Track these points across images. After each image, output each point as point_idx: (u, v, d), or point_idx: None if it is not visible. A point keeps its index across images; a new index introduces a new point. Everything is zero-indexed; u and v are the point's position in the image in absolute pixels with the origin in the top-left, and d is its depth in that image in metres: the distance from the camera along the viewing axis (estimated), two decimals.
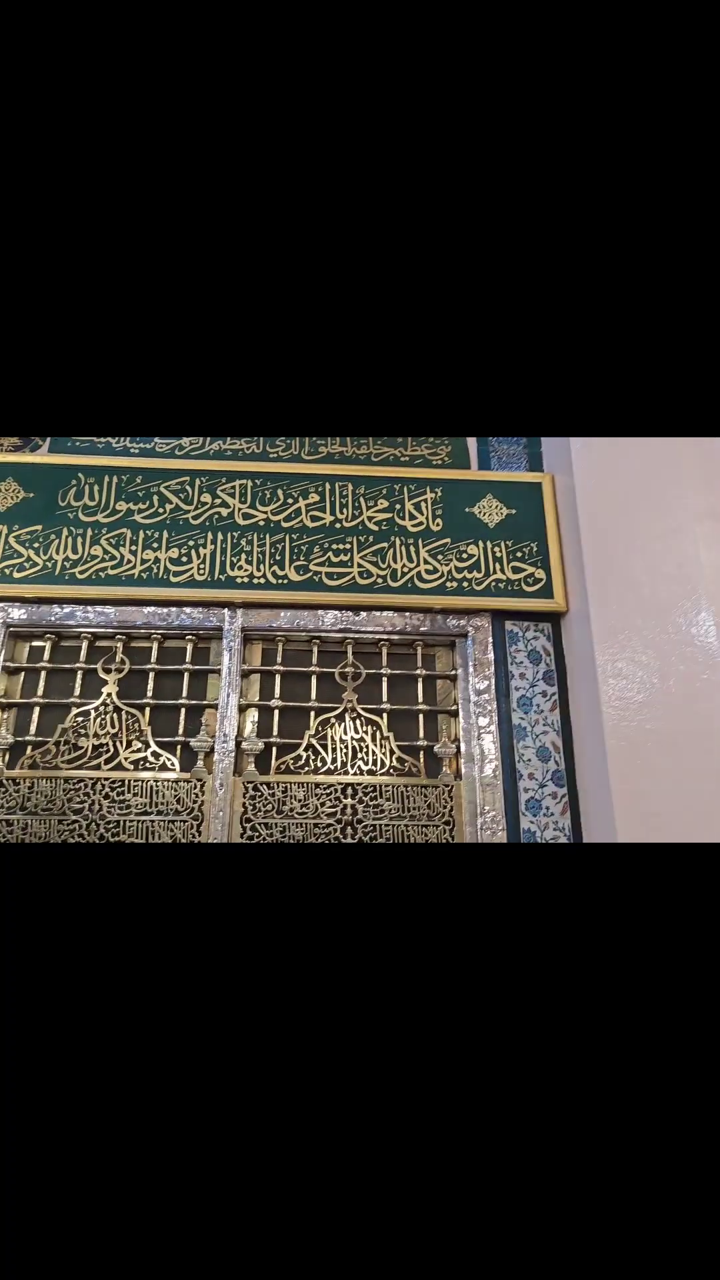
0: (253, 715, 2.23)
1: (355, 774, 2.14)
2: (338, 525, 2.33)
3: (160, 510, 2.32)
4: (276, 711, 2.21)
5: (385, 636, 2.29)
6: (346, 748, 2.17)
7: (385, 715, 2.22)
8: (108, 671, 2.22)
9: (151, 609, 2.24)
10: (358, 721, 2.21)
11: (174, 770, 2.12)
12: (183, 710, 2.20)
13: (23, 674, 2.25)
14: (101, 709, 2.18)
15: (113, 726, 2.16)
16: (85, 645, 2.25)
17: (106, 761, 2.11)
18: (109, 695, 2.19)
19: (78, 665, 2.23)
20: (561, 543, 2.35)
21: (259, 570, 2.26)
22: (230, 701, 2.17)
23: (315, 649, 2.29)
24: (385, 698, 2.24)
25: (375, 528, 2.34)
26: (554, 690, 2.24)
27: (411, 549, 2.32)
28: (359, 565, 2.29)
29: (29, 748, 2.14)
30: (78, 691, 2.20)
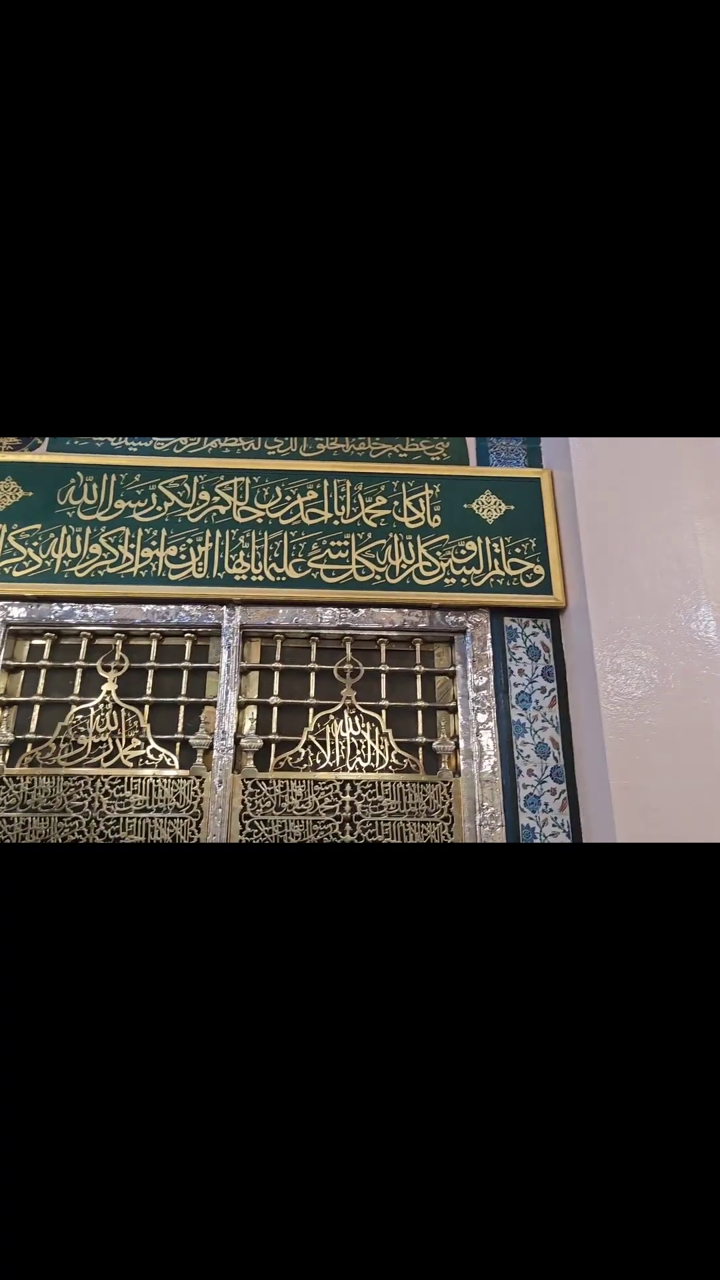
0: (251, 712, 2.23)
1: (354, 771, 2.14)
2: (336, 522, 2.33)
3: (159, 508, 2.32)
4: (275, 708, 2.22)
5: (384, 633, 2.29)
6: (345, 744, 2.17)
7: (384, 712, 2.22)
8: (107, 669, 2.23)
9: (150, 607, 2.25)
10: (356, 718, 2.21)
11: (173, 767, 2.12)
12: (182, 708, 2.21)
13: (23, 672, 2.26)
14: (101, 707, 2.19)
15: (112, 724, 2.17)
16: (85, 643, 2.26)
17: (106, 759, 2.12)
18: (108, 693, 2.20)
19: (77, 663, 2.24)
20: (560, 538, 2.34)
21: (257, 568, 2.26)
22: (229, 699, 2.17)
23: (314, 646, 2.29)
24: (384, 694, 2.24)
25: (373, 524, 2.34)
26: (553, 686, 2.23)
27: (410, 545, 2.32)
28: (357, 562, 2.29)
29: (29, 745, 2.15)
30: (77, 689, 2.21)
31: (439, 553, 2.31)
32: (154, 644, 2.27)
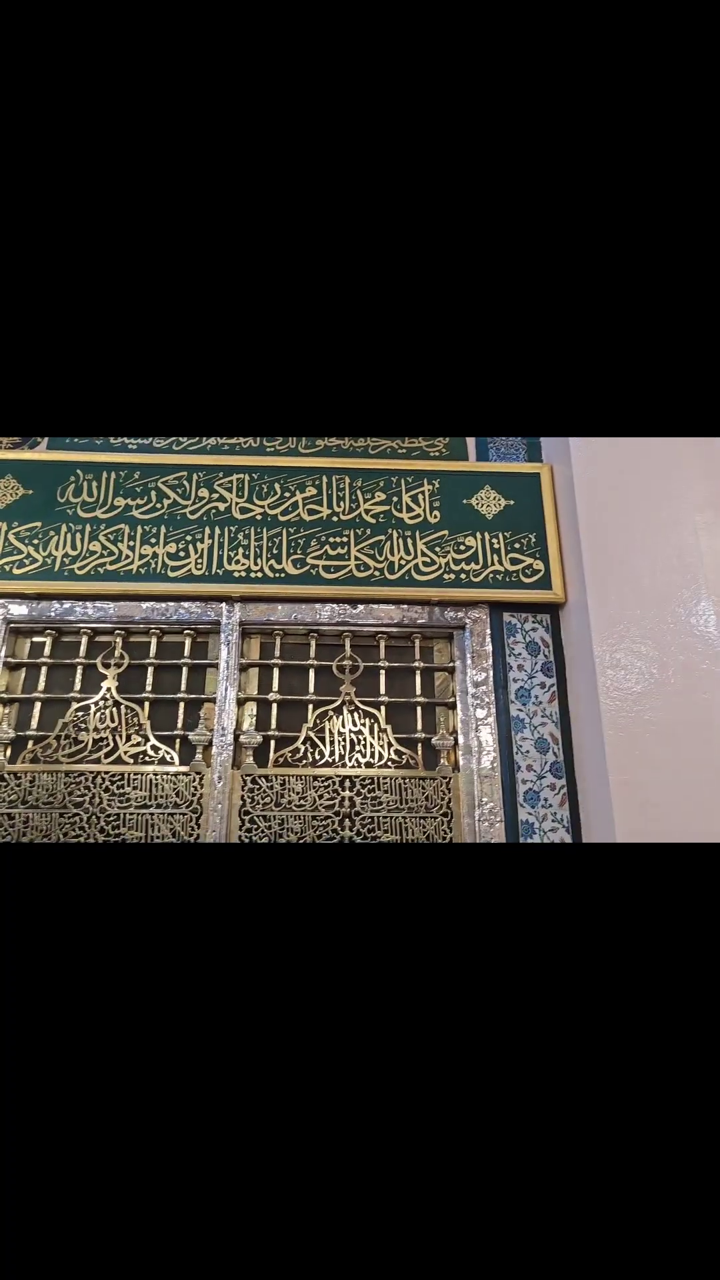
0: (251, 709, 2.24)
1: (353, 766, 2.14)
2: (335, 518, 2.33)
3: (158, 505, 2.33)
4: (274, 705, 2.22)
5: (383, 629, 2.29)
6: (344, 740, 2.17)
7: (383, 708, 2.22)
8: (107, 666, 2.24)
9: (150, 604, 2.25)
10: (355, 714, 2.21)
11: (173, 764, 2.13)
12: (181, 704, 2.21)
13: (24, 669, 2.27)
14: (101, 703, 2.20)
15: (112, 721, 2.18)
16: (85, 640, 2.27)
17: (106, 755, 2.13)
18: (109, 690, 2.21)
19: (78, 660, 2.25)
20: (560, 533, 2.34)
21: (256, 564, 2.26)
22: (228, 695, 2.18)
23: (313, 642, 2.29)
24: (383, 690, 2.24)
25: (372, 520, 2.34)
26: (552, 682, 2.23)
27: (409, 541, 2.32)
28: (356, 558, 2.29)
29: (30, 742, 2.16)
30: (78, 686, 2.22)
31: (438, 548, 2.31)
32: (154, 641, 2.27)
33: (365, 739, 2.18)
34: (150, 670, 2.24)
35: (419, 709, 2.24)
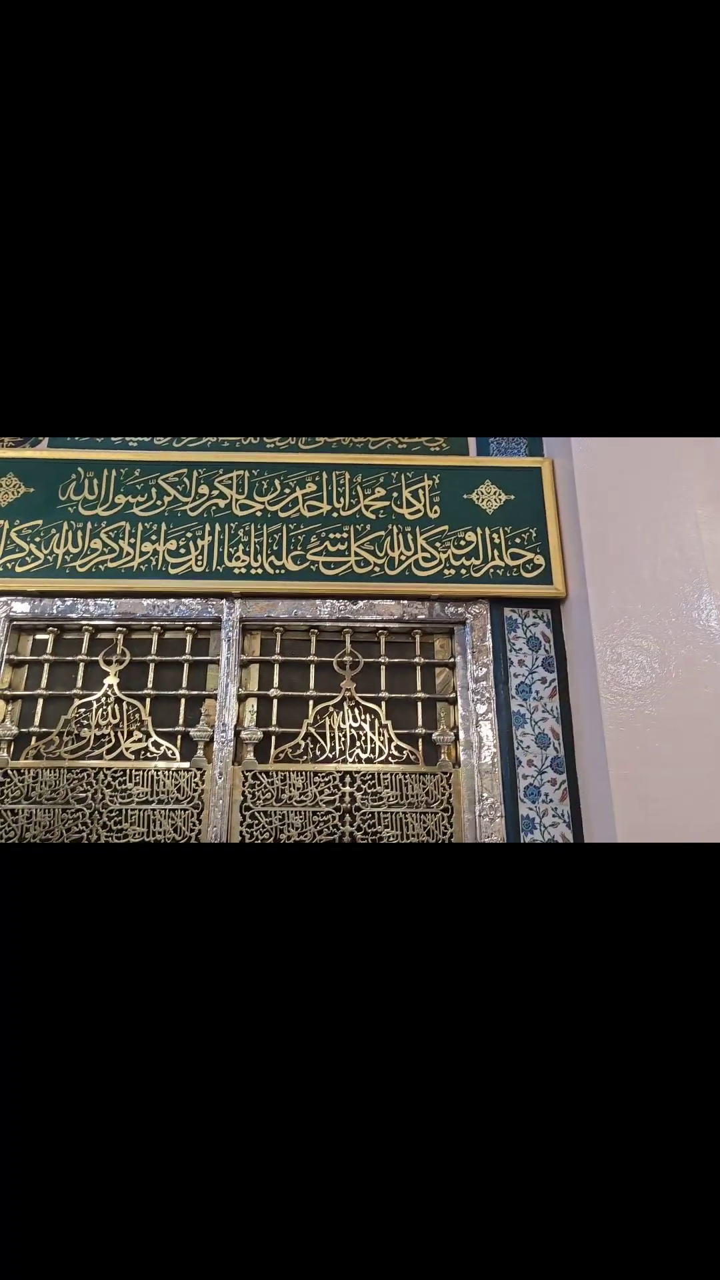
0: (252, 705, 2.24)
1: (353, 762, 2.14)
2: (335, 514, 2.33)
3: (159, 502, 2.34)
4: (275, 701, 2.23)
5: (383, 625, 2.29)
6: (345, 736, 2.18)
7: (383, 703, 2.22)
8: (109, 663, 2.25)
9: (151, 601, 2.26)
10: (356, 710, 2.21)
11: (174, 759, 2.14)
12: (183, 700, 2.22)
13: (26, 666, 2.29)
14: (103, 700, 2.21)
15: (114, 717, 2.19)
16: (87, 637, 2.28)
17: (108, 751, 2.15)
18: (110, 686, 2.22)
19: (80, 657, 2.26)
20: (561, 528, 2.33)
21: (256, 561, 2.27)
22: (229, 691, 2.19)
23: (313, 638, 2.30)
24: (383, 686, 2.24)
25: (372, 516, 2.34)
26: (553, 677, 2.22)
27: (409, 537, 2.31)
28: (356, 554, 2.29)
29: (33, 739, 2.17)
30: (80, 683, 2.23)
31: (438, 543, 2.31)
32: (155, 638, 2.28)
33: (366, 735, 2.18)
34: (151, 667, 2.25)
35: (419, 704, 2.24)
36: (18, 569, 2.24)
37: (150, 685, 2.23)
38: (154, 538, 2.29)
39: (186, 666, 2.26)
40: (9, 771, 2.11)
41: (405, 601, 2.28)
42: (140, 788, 2.10)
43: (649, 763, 1.90)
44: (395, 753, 2.17)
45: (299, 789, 2.10)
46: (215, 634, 2.28)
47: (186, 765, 2.13)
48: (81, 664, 2.26)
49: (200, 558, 2.27)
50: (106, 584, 2.24)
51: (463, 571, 2.27)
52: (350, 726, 2.19)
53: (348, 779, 2.12)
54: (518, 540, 2.32)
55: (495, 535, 2.32)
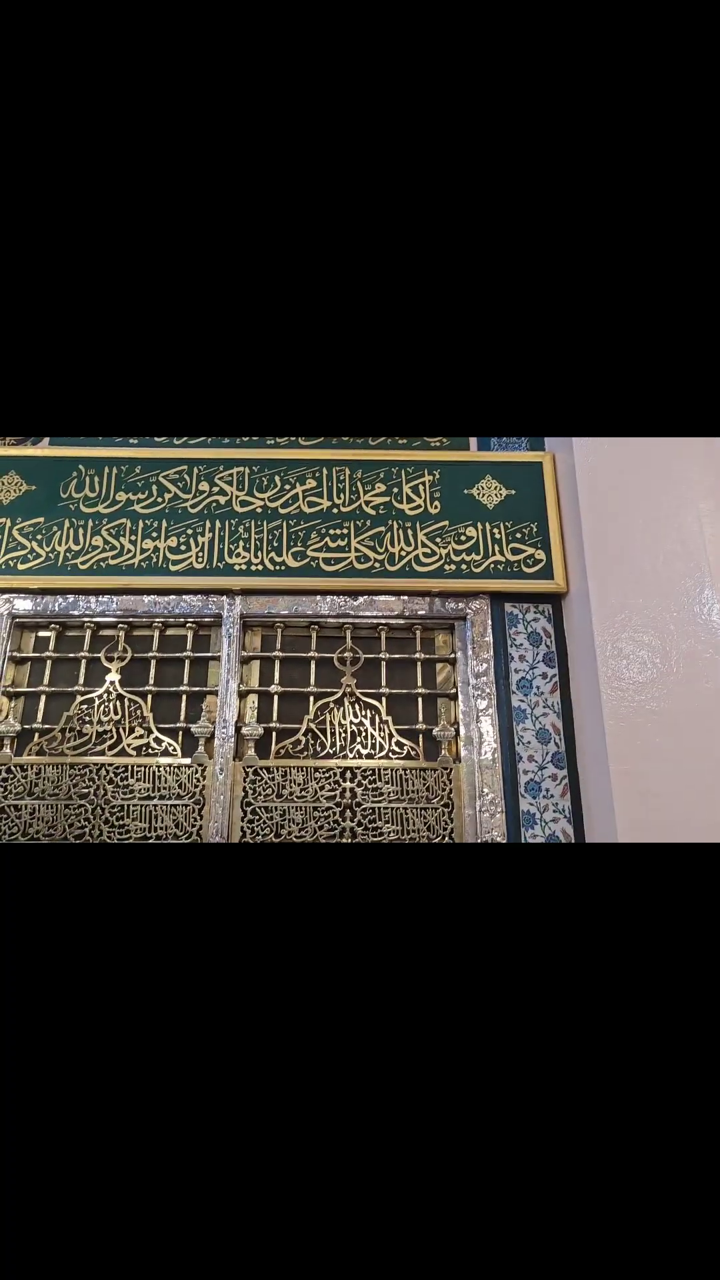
0: (252, 701, 2.25)
1: (354, 758, 2.15)
2: (335, 510, 2.33)
3: (159, 499, 2.34)
4: (276, 697, 2.23)
5: (383, 621, 2.29)
6: (345, 732, 2.18)
7: (384, 699, 2.22)
8: (110, 660, 2.26)
9: (152, 597, 2.27)
10: (356, 706, 2.21)
11: (176, 755, 2.15)
12: (184, 697, 2.23)
13: (29, 663, 2.30)
14: (105, 696, 2.22)
15: (116, 713, 2.20)
16: (89, 634, 2.29)
17: (110, 748, 2.16)
18: (112, 683, 2.23)
19: (82, 654, 2.27)
20: (562, 523, 2.32)
21: (256, 557, 2.27)
22: (230, 687, 2.19)
23: (314, 634, 2.30)
24: (384, 682, 2.25)
25: (372, 512, 2.33)
26: (554, 672, 2.22)
27: (409, 532, 2.31)
28: (356, 550, 2.28)
29: (36, 735, 2.19)
30: (82, 680, 2.25)
31: (438, 539, 2.30)
32: (156, 634, 2.29)
33: (366, 730, 2.18)
34: (153, 663, 2.26)
35: (420, 700, 2.24)
36: (20, 566, 2.26)
37: (152, 682, 2.24)
38: (155, 535, 2.29)
39: (188, 663, 2.27)
40: (12, 767, 2.13)
41: (406, 597, 2.28)
42: (142, 783, 2.11)
43: (650, 758, 1.89)
44: (396, 748, 2.17)
45: (300, 785, 2.11)
46: (216, 630, 2.29)
47: (188, 761, 2.14)
48: (83, 661, 2.27)
49: (201, 554, 2.27)
50: (108, 581, 2.25)
51: (463, 567, 2.27)
52: (351, 722, 2.19)
53: (348, 775, 2.12)
54: (518, 535, 2.31)
55: (496, 530, 2.31)
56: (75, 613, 2.27)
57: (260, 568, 2.26)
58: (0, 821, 2.07)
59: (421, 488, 2.37)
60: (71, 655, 2.28)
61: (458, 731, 2.20)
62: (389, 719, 2.20)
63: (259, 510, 2.33)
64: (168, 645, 2.30)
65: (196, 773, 2.12)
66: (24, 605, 2.27)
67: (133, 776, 2.12)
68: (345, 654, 2.27)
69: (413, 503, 2.35)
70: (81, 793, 2.10)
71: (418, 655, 2.29)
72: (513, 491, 2.37)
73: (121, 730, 2.18)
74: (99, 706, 2.21)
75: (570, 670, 2.20)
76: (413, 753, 2.17)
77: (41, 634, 2.33)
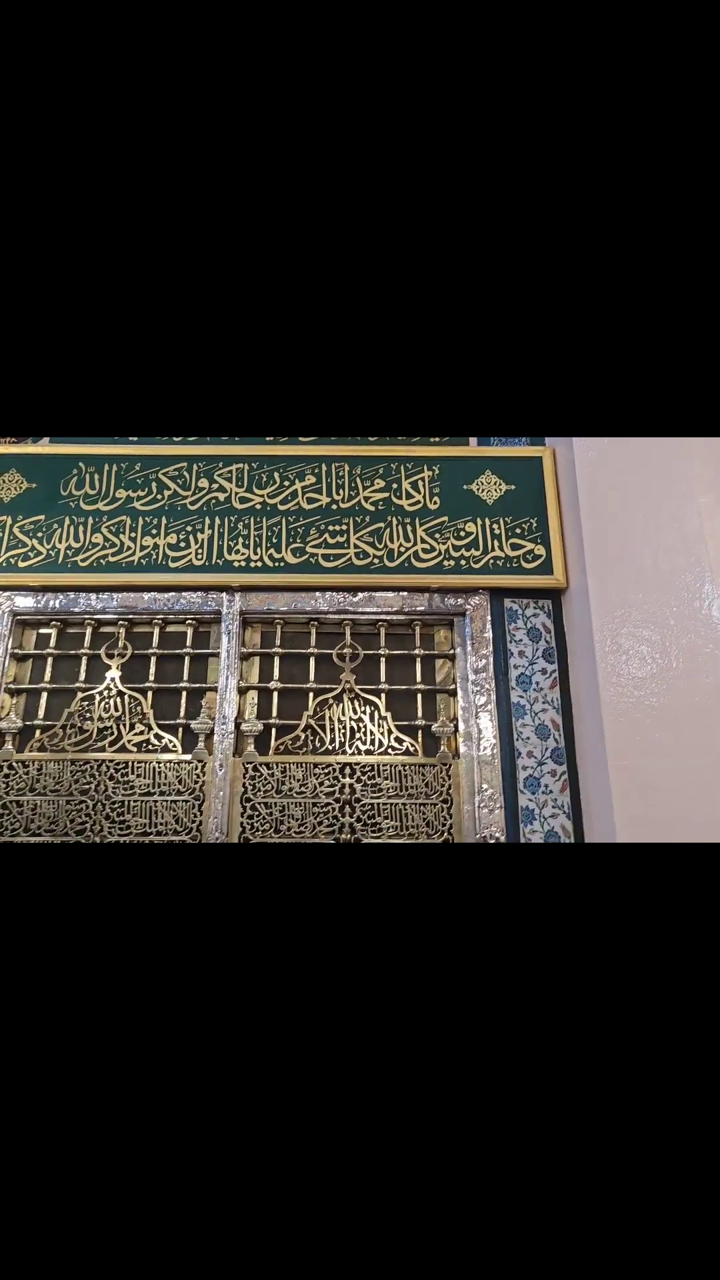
0: (252, 697, 2.26)
1: (353, 754, 2.15)
2: (334, 506, 2.33)
3: (159, 497, 2.35)
4: (275, 693, 2.24)
5: (383, 617, 2.29)
6: (344, 728, 2.18)
7: (383, 695, 2.22)
8: (111, 656, 2.27)
9: (152, 594, 2.28)
10: (356, 702, 2.22)
11: (176, 752, 2.16)
12: (184, 693, 2.24)
13: (30, 660, 2.32)
14: (106, 693, 2.23)
15: (117, 710, 2.21)
16: (89, 631, 2.31)
17: (111, 744, 2.17)
18: (113, 680, 2.25)
19: (83, 651, 2.28)
20: (562, 517, 2.31)
21: (256, 554, 2.27)
22: (229, 684, 2.20)
23: (313, 631, 2.30)
24: (383, 678, 2.25)
25: (372, 508, 2.33)
26: (554, 667, 2.21)
27: (408, 528, 2.31)
28: (355, 546, 2.28)
29: (37, 731, 2.21)
30: (83, 676, 2.26)
31: (438, 535, 2.30)
32: (156, 631, 2.30)
33: (365, 726, 2.19)
34: (153, 660, 2.27)
35: (419, 696, 2.25)
36: (21, 564, 2.27)
37: (152, 678, 2.25)
38: (154, 532, 2.30)
39: (187, 659, 2.27)
40: (14, 764, 2.15)
41: (405, 593, 2.28)
42: (142, 779, 2.12)
43: (649, 753, 1.89)
44: (395, 744, 2.17)
45: (299, 780, 2.12)
46: (216, 627, 2.30)
47: (188, 757, 2.15)
48: (84, 657, 2.28)
49: (200, 551, 2.28)
50: (108, 578, 2.26)
51: (462, 563, 2.26)
52: (350, 718, 2.20)
53: (347, 770, 2.13)
54: (518, 531, 2.30)
55: (495, 526, 2.31)
56: (76, 610, 2.28)
57: (259, 564, 2.26)
58: (2, 817, 2.09)
59: (421, 483, 2.37)
60: (72, 652, 2.29)
61: (457, 727, 2.20)
62: (388, 715, 2.20)
63: (258, 507, 2.33)
64: (168, 642, 2.31)
65: (196, 769, 2.13)
66: (25, 602, 2.28)
67: (133, 772, 2.13)
68: (344, 650, 2.28)
69: (412, 498, 2.34)
70: (83, 788, 2.11)
71: (417, 651, 2.29)
72: (512, 486, 2.36)
73: (122, 726, 2.19)
74: (100, 703, 2.22)
75: (570, 666, 2.19)
76: (412, 749, 2.17)
77: (43, 631, 2.34)
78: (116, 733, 2.18)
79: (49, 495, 2.35)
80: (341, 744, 2.17)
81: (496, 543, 2.29)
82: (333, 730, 2.18)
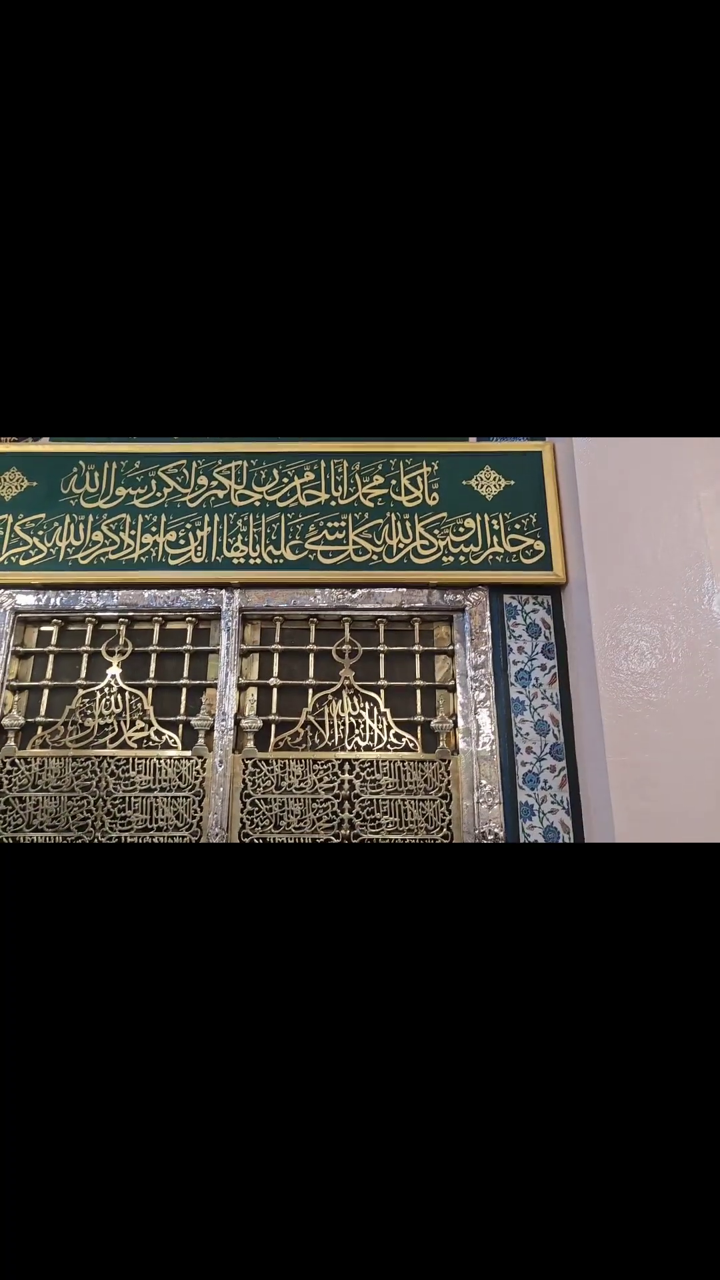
0: (251, 694, 2.26)
1: (353, 750, 2.16)
2: (333, 503, 2.33)
3: (158, 494, 2.35)
4: (275, 690, 2.24)
5: (382, 613, 2.29)
6: (344, 724, 2.19)
7: (382, 692, 2.23)
8: (112, 654, 2.29)
9: (152, 592, 2.29)
10: (355, 698, 2.22)
11: (176, 748, 2.17)
12: (184, 690, 2.25)
13: (32, 658, 2.33)
14: (106, 690, 2.25)
15: (117, 707, 2.23)
16: (90, 629, 2.32)
17: (112, 740, 2.19)
18: (113, 677, 2.26)
19: (83, 649, 2.30)
20: (561, 513, 2.30)
21: (255, 551, 2.28)
22: (229, 681, 2.21)
23: (312, 627, 2.31)
24: (382, 674, 2.25)
25: (371, 504, 2.33)
26: (553, 663, 2.21)
27: (407, 524, 2.30)
28: (354, 543, 2.28)
29: (39, 728, 2.22)
30: (84, 674, 2.27)
31: (437, 531, 2.30)
32: (156, 628, 2.31)
33: (365, 723, 2.19)
34: (153, 657, 2.28)
35: (418, 692, 2.25)
36: (22, 562, 2.28)
37: (152, 675, 2.26)
38: (154, 529, 2.31)
39: (187, 656, 2.28)
40: (16, 760, 2.16)
41: (404, 589, 2.28)
42: (143, 776, 2.14)
43: (648, 749, 1.88)
44: (394, 740, 2.17)
45: (298, 776, 2.12)
46: (215, 624, 2.30)
47: (188, 754, 2.16)
48: (85, 655, 2.29)
49: (200, 548, 2.28)
50: (108, 576, 2.27)
51: (462, 559, 2.26)
52: (349, 715, 2.20)
53: (347, 766, 2.13)
54: (517, 526, 2.30)
55: (495, 521, 2.30)
56: (77, 607, 2.29)
57: (259, 561, 2.27)
58: (5, 813, 2.11)
59: (420, 479, 2.36)
60: (73, 649, 2.31)
61: (456, 723, 2.20)
62: (387, 711, 2.20)
63: (257, 504, 2.34)
64: (168, 639, 2.32)
65: (196, 765, 2.14)
66: (27, 600, 2.29)
67: (134, 769, 2.14)
68: (344, 647, 2.28)
69: (411, 494, 2.34)
70: (84, 785, 2.13)
71: (416, 647, 2.29)
72: (512, 482, 2.35)
73: (123, 723, 2.21)
74: (100, 700, 2.24)
75: (569, 661, 2.19)
76: (411, 745, 2.17)
77: (44, 629, 2.36)
78: (117, 729, 2.20)
79: (49, 493, 2.36)
80: (341, 740, 2.17)
81: (496, 538, 2.28)
82: (332, 726, 2.19)
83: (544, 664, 2.21)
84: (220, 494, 2.35)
